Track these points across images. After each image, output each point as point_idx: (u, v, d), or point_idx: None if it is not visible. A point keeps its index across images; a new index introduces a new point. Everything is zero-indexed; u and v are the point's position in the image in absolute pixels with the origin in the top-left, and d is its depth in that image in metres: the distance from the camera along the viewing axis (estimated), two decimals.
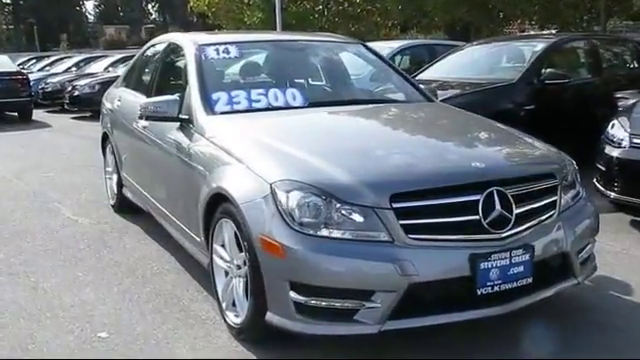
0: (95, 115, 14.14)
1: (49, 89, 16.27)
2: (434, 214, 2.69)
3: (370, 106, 3.96)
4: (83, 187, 6.69)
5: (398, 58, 9.27)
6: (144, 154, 4.43)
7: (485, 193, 2.75)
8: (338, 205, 2.67)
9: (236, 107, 3.69)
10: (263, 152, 3.07)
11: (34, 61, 23.34)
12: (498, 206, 2.75)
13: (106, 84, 14.60)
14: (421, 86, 4.35)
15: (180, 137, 3.73)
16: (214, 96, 3.73)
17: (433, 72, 7.32)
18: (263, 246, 2.73)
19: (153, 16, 73.14)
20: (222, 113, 3.63)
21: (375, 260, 2.62)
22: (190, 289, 3.76)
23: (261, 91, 3.81)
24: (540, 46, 6.86)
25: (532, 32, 19.11)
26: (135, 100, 4.82)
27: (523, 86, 6.42)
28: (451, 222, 2.70)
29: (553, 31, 17.58)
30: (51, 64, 21.36)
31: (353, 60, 4.61)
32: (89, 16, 71.11)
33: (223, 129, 3.45)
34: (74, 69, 19.28)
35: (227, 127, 3.46)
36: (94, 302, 3.62)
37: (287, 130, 3.46)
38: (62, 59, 22.09)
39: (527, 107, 6.25)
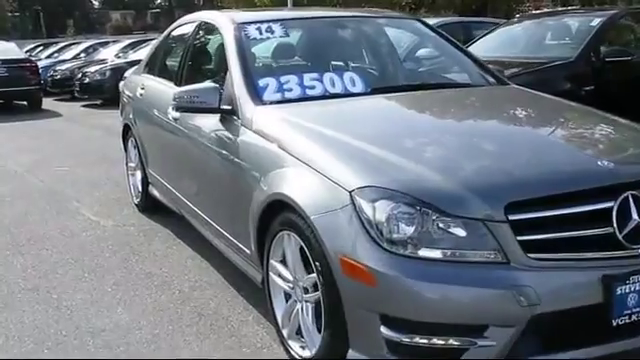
0: (107, 103, 13.69)
1: (58, 77, 15.76)
2: (558, 227, 2.16)
3: (442, 92, 3.40)
4: (102, 183, 6.18)
5: None
6: (176, 150, 3.90)
7: (619, 199, 2.20)
8: (438, 218, 2.14)
9: (288, 95, 3.15)
10: (333, 150, 2.53)
11: (41, 48, 22.82)
12: (636, 215, 2.20)
13: (117, 70, 14.22)
14: (491, 67, 3.79)
15: (222, 131, 3.20)
16: (261, 82, 3.19)
17: (476, 51, 6.73)
18: (344, 269, 2.20)
19: (158, 1, 72.28)
20: (272, 103, 3.09)
21: (488, 287, 2.09)
22: (237, 308, 3.25)
23: (315, 76, 3.26)
24: (597, 21, 6.26)
25: (548, 9, 18.38)
26: (163, 89, 4.29)
27: (582, 64, 5.86)
28: (578, 237, 2.17)
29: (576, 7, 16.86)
30: (59, 51, 20.83)
31: (412, 38, 4.04)
32: (94, 2, 70.36)
33: (276, 122, 2.91)
34: (83, 55, 18.76)
35: (281, 119, 2.92)
36: (128, 325, 3.12)
37: (356, 122, 2.91)
38: (70, 45, 21.54)
39: (587, 87, 5.67)
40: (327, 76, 3.26)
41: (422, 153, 2.47)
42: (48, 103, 14.18)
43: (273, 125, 2.89)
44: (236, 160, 3.01)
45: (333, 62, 3.68)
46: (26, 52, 17.36)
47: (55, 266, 3.95)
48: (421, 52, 4.01)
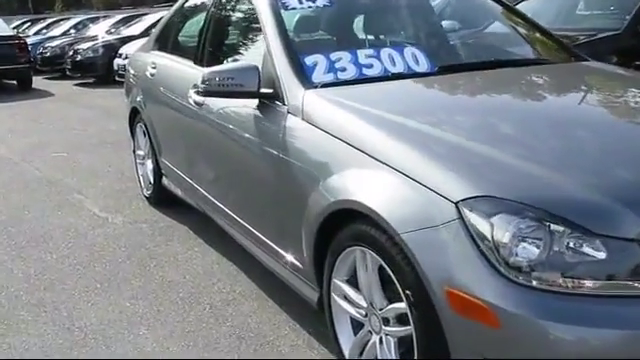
0: (100, 81, 13.06)
1: (48, 54, 15.09)
2: None
3: (521, 70, 2.86)
4: (104, 171, 5.65)
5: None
6: (199, 140, 3.37)
7: None
8: (578, 237, 1.64)
9: (341, 76, 2.62)
10: (423, 147, 2.01)
11: (29, 24, 21.95)
12: None
13: (110, 47, 13.57)
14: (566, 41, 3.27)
15: (262, 120, 2.69)
16: (308, 61, 2.66)
17: None
18: (453, 304, 1.71)
19: None
20: (324, 85, 2.56)
21: None
22: (282, 328, 2.76)
23: (370, 52, 2.73)
24: None
25: None
26: (180, 68, 3.75)
27: (630, 36, 5.34)
28: None
29: None
30: (47, 27, 20.04)
31: (471, 7, 3.50)
32: None
33: (335, 109, 2.39)
34: (72, 32, 18.03)
35: (341, 106, 2.39)
36: (154, 351, 2.63)
37: (440, 111, 2.38)
38: (58, 22, 20.73)
39: (637, 62, 5.17)
40: (385, 52, 2.73)
41: (539, 151, 1.96)
42: (38, 82, 13.53)
43: (332, 113, 2.37)
44: (282, 156, 2.49)
45: (391, 34, 3.14)
46: (13, 29, 16.60)
47: (62, 274, 3.44)
48: (480, 22, 3.47)
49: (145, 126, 4.37)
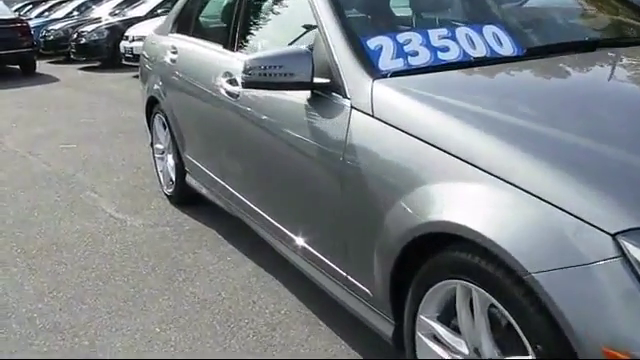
0: (106, 64, 12.58)
1: (51, 37, 14.58)
2: None
3: (622, 51, 2.40)
4: (118, 164, 5.22)
5: None
6: (235, 136, 2.94)
7: None
8: None
9: (413, 61, 2.17)
10: (543, 153, 1.57)
11: (30, 7, 21.38)
12: None
13: (116, 29, 13.05)
14: None
15: (316, 116, 2.25)
16: (371, 44, 2.21)
17: None
18: None
19: None
20: (394, 74, 2.11)
21: None
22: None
23: (444, 32, 2.28)
24: None
25: None
26: (207, 54, 3.30)
27: None
28: None
29: None
30: (49, 9, 19.47)
31: None
32: None
33: (415, 104, 1.94)
34: (76, 14, 17.47)
35: (422, 100, 1.95)
36: None
37: (547, 104, 1.92)
38: (60, 3, 20.12)
39: None
40: (461, 32, 2.28)
41: None
42: (42, 66, 13.06)
43: (414, 110, 1.92)
44: (347, 161, 2.05)
45: (464, 9, 2.68)
46: (15, 12, 16.09)
47: (79, 290, 3.03)
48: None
49: (165, 118, 3.94)
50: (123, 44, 11.35)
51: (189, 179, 3.78)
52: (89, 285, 3.07)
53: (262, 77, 2.26)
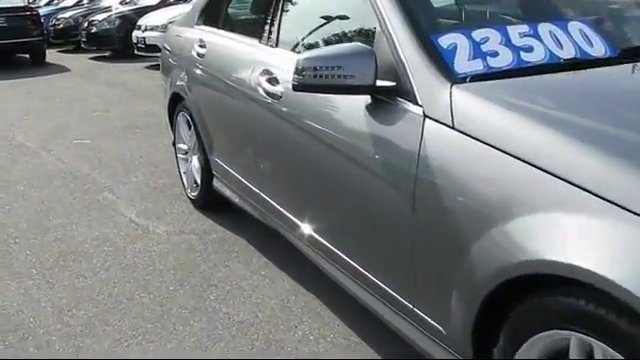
0: (116, 54, 12.30)
1: (61, 26, 14.35)
2: None
3: None
4: (135, 163, 4.95)
5: None
6: (275, 141, 2.65)
7: None
8: None
9: (494, 64, 1.87)
10: None
11: None
12: None
13: (127, 19, 12.76)
14: None
15: (380, 124, 1.96)
16: (443, 42, 1.92)
17: None
18: None
19: None
20: (474, 79, 1.82)
21: None
22: None
23: (525, 29, 1.98)
24: None
25: None
26: (242, 49, 3.01)
27: None
28: None
29: None
30: None
31: None
32: None
33: (506, 114, 1.65)
34: (86, 2, 17.18)
35: (514, 109, 1.66)
36: None
37: None
38: None
39: None
40: (544, 29, 1.98)
41: None
42: (52, 55, 12.80)
43: (507, 122, 1.62)
44: (420, 178, 1.76)
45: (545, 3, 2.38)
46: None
47: (101, 308, 2.76)
48: None
49: (190, 116, 3.65)
50: (135, 34, 11.07)
51: (217, 183, 3.50)
52: (111, 302, 2.81)
53: (317, 79, 1.97)
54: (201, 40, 3.47)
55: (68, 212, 3.94)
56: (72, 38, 13.99)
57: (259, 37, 2.86)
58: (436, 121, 1.77)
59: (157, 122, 6.27)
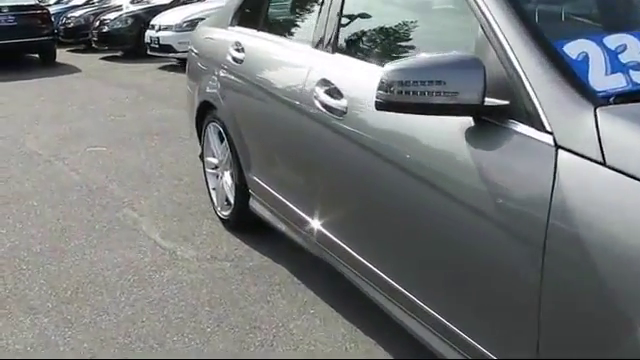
0: (128, 54, 11.94)
1: (71, 25, 14.02)
2: None
3: None
4: (156, 174, 4.57)
5: None
6: (335, 163, 2.26)
7: None
8: None
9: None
10: None
11: None
12: None
13: (140, 18, 12.39)
14: None
15: (489, 154, 1.57)
16: (570, 50, 1.53)
17: None
18: None
19: None
20: (617, 99, 1.43)
21: None
22: None
23: None
24: None
25: None
26: (292, 54, 2.63)
27: None
28: None
29: None
30: None
31: None
32: None
33: None
34: (96, 0, 16.85)
35: None
36: None
37: None
38: None
39: None
40: None
41: None
42: (62, 55, 12.47)
43: None
44: (555, 228, 1.37)
45: None
46: None
47: (130, 354, 2.38)
48: None
49: (223, 127, 3.27)
50: (149, 33, 10.72)
51: (254, 204, 3.12)
52: (140, 347, 2.43)
53: (408, 96, 1.58)
54: (238, 43, 3.08)
55: (86, 232, 3.56)
56: (82, 37, 13.67)
57: (313, 41, 2.47)
58: (576, 154, 1.37)
59: (175, 128, 5.91)
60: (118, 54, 12.50)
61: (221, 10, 3.62)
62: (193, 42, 3.84)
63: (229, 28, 3.33)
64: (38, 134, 6.08)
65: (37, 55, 11.88)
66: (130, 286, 2.91)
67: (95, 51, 12.82)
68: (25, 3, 11.17)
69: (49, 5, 15.92)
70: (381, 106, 1.65)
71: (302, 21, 2.73)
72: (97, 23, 12.49)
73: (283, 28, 2.92)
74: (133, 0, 14.52)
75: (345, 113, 2.10)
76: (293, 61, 2.56)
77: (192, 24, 10.12)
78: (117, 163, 4.92)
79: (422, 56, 1.63)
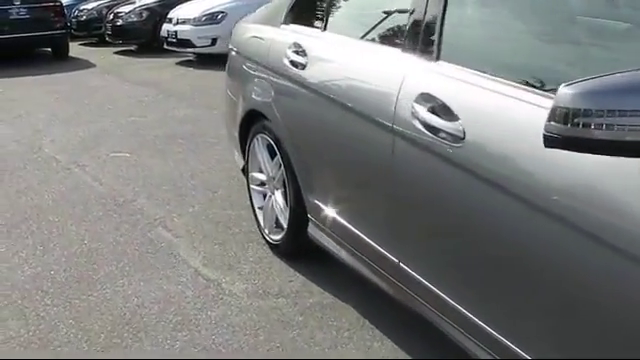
0: (143, 48, 11.52)
1: (84, 18, 13.58)
2: None
3: None
4: (188, 185, 4.15)
5: None
6: (443, 201, 1.82)
7: None
8: None
9: None
10: None
11: None
12: None
13: (155, 11, 11.96)
14: None
15: None
16: None
17: None
18: None
19: None
20: None
21: None
22: None
23: None
24: None
25: None
26: (374, 60, 2.18)
27: None
28: None
29: None
30: None
31: None
32: None
33: None
34: None
35: None
36: None
37: None
38: None
39: None
40: None
41: None
42: (74, 49, 12.03)
43: None
44: None
45: None
46: None
47: None
48: None
49: (276, 141, 2.84)
50: (166, 27, 10.29)
51: (314, 231, 2.69)
52: None
53: (598, 131, 1.14)
54: (297, 45, 2.64)
55: (116, 257, 3.15)
56: (95, 31, 13.27)
57: (403, 43, 2.03)
58: None
59: (201, 131, 5.50)
60: (132, 48, 12.09)
61: (269, 6, 3.18)
62: (235, 42, 3.40)
63: (282, 26, 2.89)
64: (55, 137, 5.66)
65: (49, 49, 11.47)
66: (173, 329, 2.49)
67: (108, 45, 12.41)
68: None
69: None
70: (554, 142, 1.21)
71: (385, 18, 2.28)
72: (111, 16, 12.06)
73: (357, 27, 2.47)
74: None
75: (462, 139, 1.66)
76: (376, 69, 2.12)
77: (212, 17, 9.72)
78: (143, 172, 4.50)
79: (622, 76, 1.18)
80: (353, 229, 2.33)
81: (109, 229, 3.51)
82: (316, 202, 2.60)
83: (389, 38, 2.15)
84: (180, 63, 10.01)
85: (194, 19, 9.78)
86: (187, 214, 3.66)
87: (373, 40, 2.23)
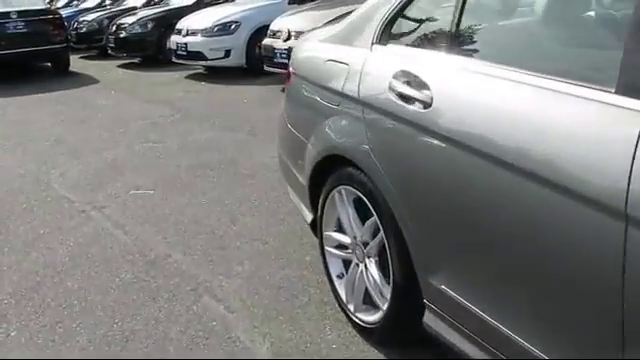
0: (147, 61, 10.84)
1: (84, 29, 12.96)
2: None
3: None
4: (230, 233, 3.47)
5: None
6: None
7: None
8: None
9: None
10: None
11: None
12: None
13: (160, 22, 11.24)
14: None
15: None
16: None
17: None
18: None
19: None
20: None
21: None
22: None
23: None
24: None
25: None
26: (562, 106, 1.48)
27: None
28: None
29: None
30: None
31: None
32: None
33: None
34: (108, 2, 15.74)
35: None
36: None
37: None
38: None
39: None
40: None
41: None
42: (75, 62, 11.43)
43: None
44: None
45: None
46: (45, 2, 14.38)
47: None
48: None
49: (369, 197, 2.16)
50: (174, 39, 9.60)
51: (433, 322, 2.00)
52: None
53: None
54: (407, 74, 1.96)
55: (159, 344, 2.46)
56: (96, 43, 12.65)
57: (617, 82, 1.35)
58: None
59: (229, 159, 4.84)
60: (136, 61, 11.43)
61: (347, 20, 2.49)
62: (299, 65, 2.72)
63: (376, 47, 2.21)
64: (64, 169, 4.97)
65: (49, 64, 10.78)
66: None
67: (109, 57, 11.79)
68: (36, 8, 10.06)
69: (58, 8, 14.84)
70: None
71: (567, 42, 1.59)
72: (114, 28, 11.39)
73: (516, 51, 1.79)
74: (149, 2, 13.40)
75: None
76: (574, 120, 1.43)
77: (225, 28, 9.02)
78: (173, 215, 3.81)
79: None
80: (506, 330, 1.65)
81: (144, 299, 2.82)
82: (439, 286, 1.91)
83: (581, 71, 1.47)
84: (190, 77, 9.34)
85: (205, 30, 9.10)
86: (236, 275, 2.98)
87: (547, 71, 1.54)
